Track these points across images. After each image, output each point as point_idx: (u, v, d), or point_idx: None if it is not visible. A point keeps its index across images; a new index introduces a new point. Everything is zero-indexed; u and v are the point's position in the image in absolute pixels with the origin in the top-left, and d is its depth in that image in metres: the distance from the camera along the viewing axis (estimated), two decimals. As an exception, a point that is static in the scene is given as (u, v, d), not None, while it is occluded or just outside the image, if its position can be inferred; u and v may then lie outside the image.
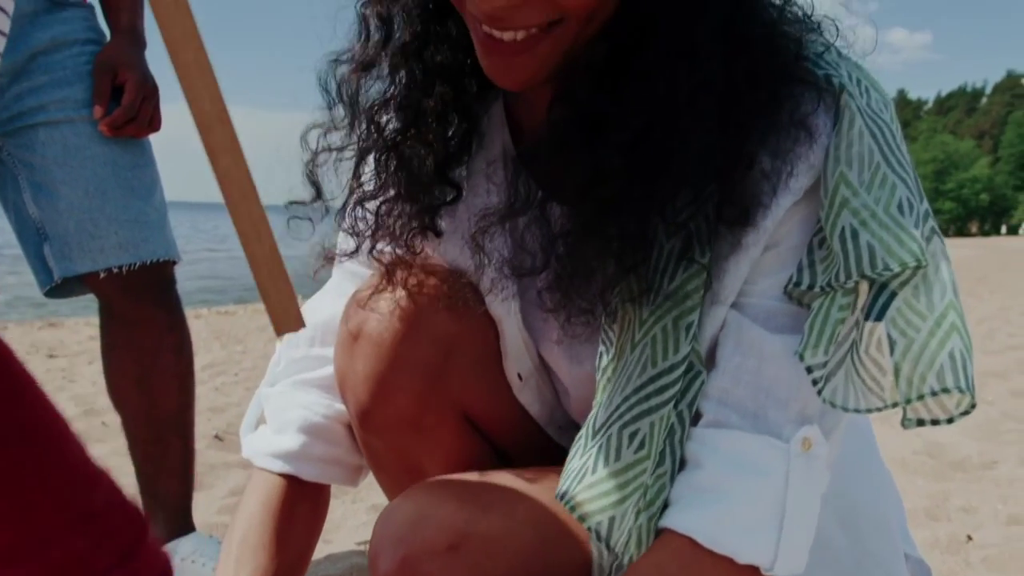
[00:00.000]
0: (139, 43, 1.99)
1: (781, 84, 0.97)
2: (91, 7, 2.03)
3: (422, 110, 1.11)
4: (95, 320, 2.08)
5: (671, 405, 1.00)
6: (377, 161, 1.15)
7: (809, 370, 0.96)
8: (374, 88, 1.13)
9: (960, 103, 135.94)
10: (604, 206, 0.97)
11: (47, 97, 1.88)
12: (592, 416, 1.06)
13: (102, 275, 1.92)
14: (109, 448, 3.41)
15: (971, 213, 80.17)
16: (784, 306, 1.01)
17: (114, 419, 2.40)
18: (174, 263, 2.02)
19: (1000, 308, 9.62)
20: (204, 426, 3.71)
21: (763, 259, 1.01)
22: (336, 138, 1.16)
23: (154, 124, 1.97)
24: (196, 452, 2.14)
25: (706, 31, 0.93)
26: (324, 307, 1.32)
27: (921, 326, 0.93)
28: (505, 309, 1.18)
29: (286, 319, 0.93)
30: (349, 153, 1.16)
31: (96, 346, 2.25)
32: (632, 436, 1.01)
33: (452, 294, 1.18)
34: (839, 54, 1.04)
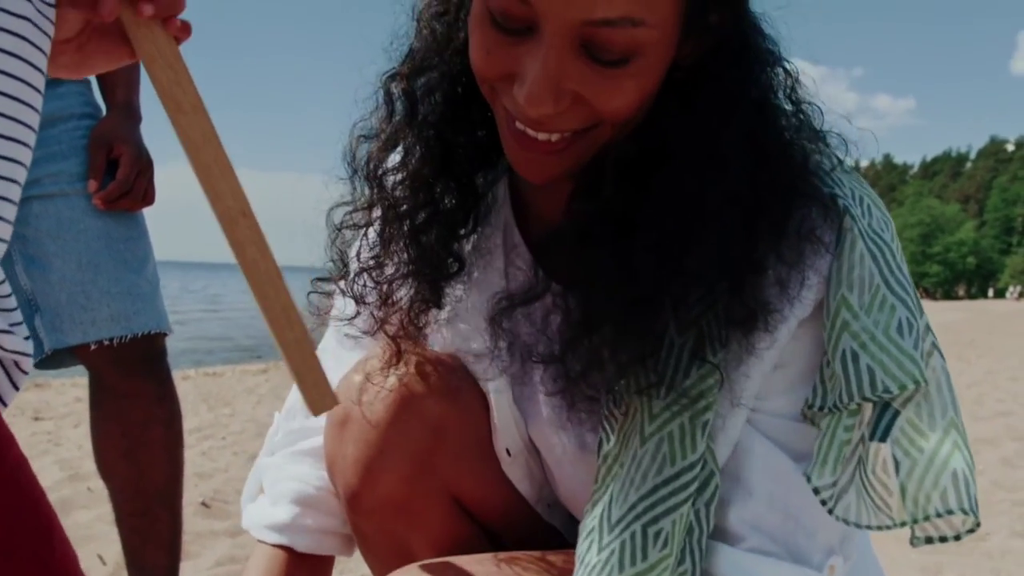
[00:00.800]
0: (134, 117, 2.02)
1: (793, 196, 1.01)
2: (87, 82, 2.06)
3: (433, 185, 1.13)
4: (82, 381, 2.07)
5: (689, 503, 1.01)
6: (385, 231, 1.16)
7: (816, 491, 0.99)
8: (390, 161, 1.16)
9: (945, 168, 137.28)
10: (621, 300, 0.99)
11: (42, 171, 1.89)
12: (602, 508, 1.05)
13: (93, 347, 1.93)
14: (94, 515, 3.38)
15: (958, 276, 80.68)
16: (801, 427, 1.04)
17: (100, 484, 2.39)
18: (165, 335, 2.02)
19: (988, 372, 9.65)
20: (191, 492, 3.68)
21: (775, 377, 1.04)
22: (360, 216, 1.19)
23: (148, 198, 1.99)
24: (183, 521, 2.13)
25: (732, 140, 0.97)
26: None
27: (924, 446, 0.95)
28: (496, 385, 1.19)
29: (321, 400, 0.94)
30: (364, 223, 1.19)
31: (82, 408, 2.25)
32: (656, 535, 1.01)
33: (444, 375, 1.19)
34: (844, 169, 1.07)
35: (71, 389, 8.02)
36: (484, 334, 1.16)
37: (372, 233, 1.18)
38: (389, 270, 1.17)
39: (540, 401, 1.17)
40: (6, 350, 0.81)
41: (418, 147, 1.13)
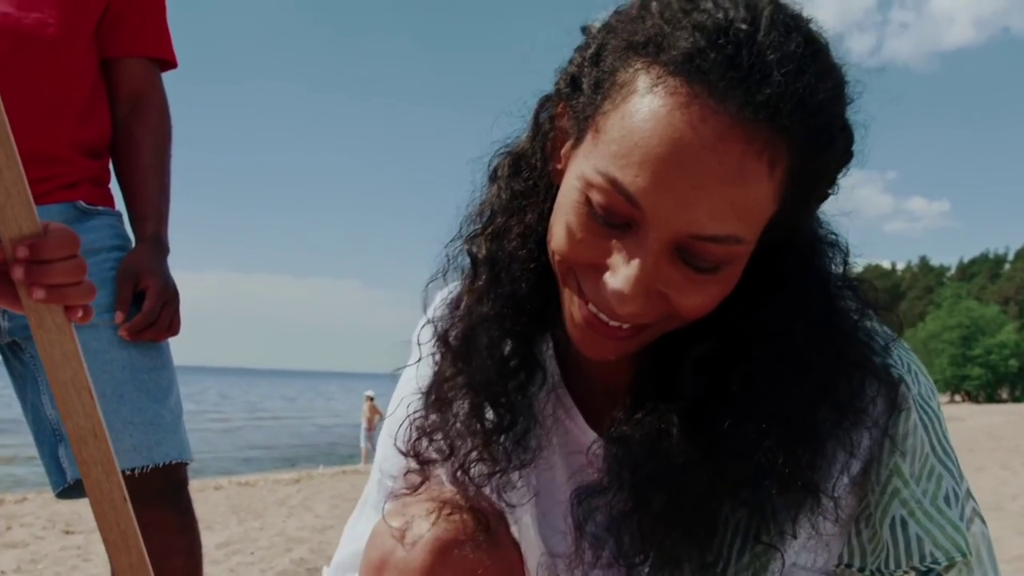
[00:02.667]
0: (162, 250, 2.07)
1: (853, 377, 1.03)
2: (119, 214, 2.12)
3: (500, 346, 1.14)
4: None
5: None
6: (445, 391, 1.18)
7: None
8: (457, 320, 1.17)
9: (983, 269, 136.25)
10: (693, 495, 1.01)
11: (71, 303, 1.93)
12: None
13: (114, 477, 1.94)
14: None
15: (1000, 379, 79.31)
16: None
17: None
18: (187, 464, 2.04)
19: (1033, 482, 9.39)
20: (216, 613, 3.65)
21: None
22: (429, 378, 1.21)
23: (173, 328, 2.02)
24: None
25: (808, 336, 1.00)
26: (366, 534, 1.30)
27: None
28: (529, 539, 1.19)
29: None
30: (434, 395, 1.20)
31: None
32: None
33: (482, 523, 1.18)
34: (892, 336, 1.10)
35: (103, 500, 8.01)
36: (556, 527, 1.17)
37: (432, 393, 1.20)
38: (448, 427, 1.18)
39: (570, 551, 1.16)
40: None
41: (494, 310, 1.13)
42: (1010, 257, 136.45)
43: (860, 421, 1.02)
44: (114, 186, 2.16)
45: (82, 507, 7.68)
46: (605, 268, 0.96)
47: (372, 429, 16.37)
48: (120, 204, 2.15)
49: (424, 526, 1.17)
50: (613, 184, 0.92)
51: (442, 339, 1.18)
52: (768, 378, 0.98)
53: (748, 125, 0.88)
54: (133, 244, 2.09)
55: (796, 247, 1.02)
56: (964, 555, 0.98)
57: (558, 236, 1.00)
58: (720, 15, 0.90)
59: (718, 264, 0.94)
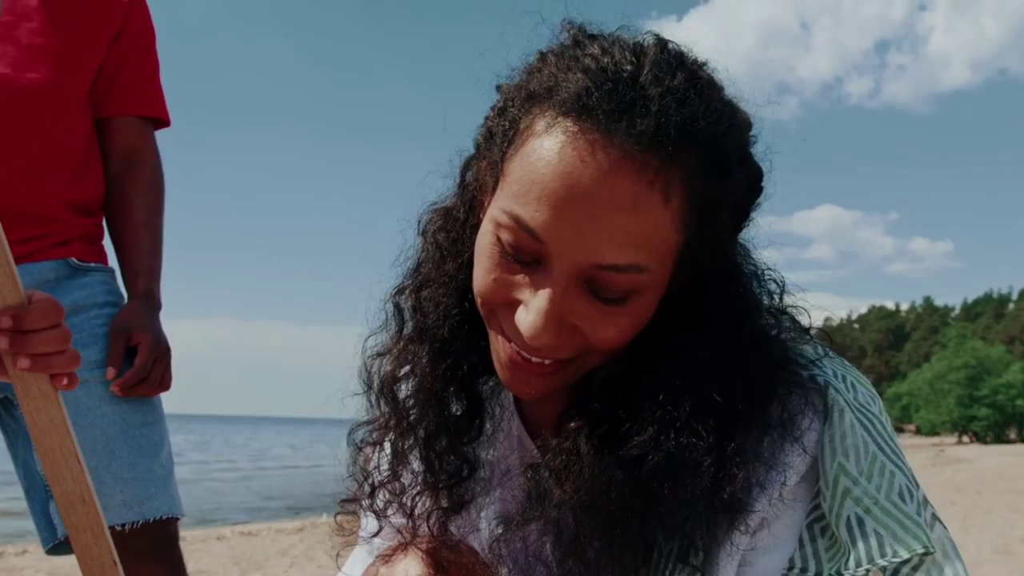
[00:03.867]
0: (154, 307, 2.09)
1: (773, 394, 1.04)
2: (112, 270, 2.15)
3: (440, 395, 1.18)
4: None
5: None
6: (398, 444, 1.21)
7: None
8: (401, 374, 1.22)
9: (987, 309, 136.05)
10: (609, 514, 1.02)
11: (62, 360, 1.94)
12: None
13: (105, 533, 1.94)
14: None
15: (1008, 419, 78.81)
16: None
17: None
18: (177, 519, 2.04)
19: (1042, 524, 9.31)
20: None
21: (758, 538, 1.04)
22: (378, 433, 1.25)
23: (164, 384, 2.04)
24: None
25: (709, 355, 1.03)
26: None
27: None
28: None
29: None
30: (381, 439, 1.24)
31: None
32: None
33: (465, 570, 1.18)
34: (829, 355, 1.11)
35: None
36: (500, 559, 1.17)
37: (387, 447, 1.23)
38: (407, 481, 1.21)
39: None
40: None
41: (425, 359, 1.18)
42: (1014, 296, 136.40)
43: (781, 449, 1.03)
44: (107, 242, 2.19)
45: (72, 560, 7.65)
46: (520, 304, 1.01)
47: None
48: (113, 260, 2.17)
49: (413, 571, 1.17)
50: (517, 221, 0.97)
51: (382, 393, 1.22)
52: (668, 391, 1.01)
53: (637, 156, 0.93)
54: (125, 300, 2.11)
55: (713, 279, 1.06)
56: (926, 548, 0.96)
57: (477, 279, 1.05)
58: (607, 59, 0.97)
59: (625, 294, 0.99)
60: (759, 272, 1.13)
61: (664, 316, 1.05)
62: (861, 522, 0.98)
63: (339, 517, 1.27)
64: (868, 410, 1.04)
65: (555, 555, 1.08)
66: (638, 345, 1.05)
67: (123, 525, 1.94)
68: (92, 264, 2.09)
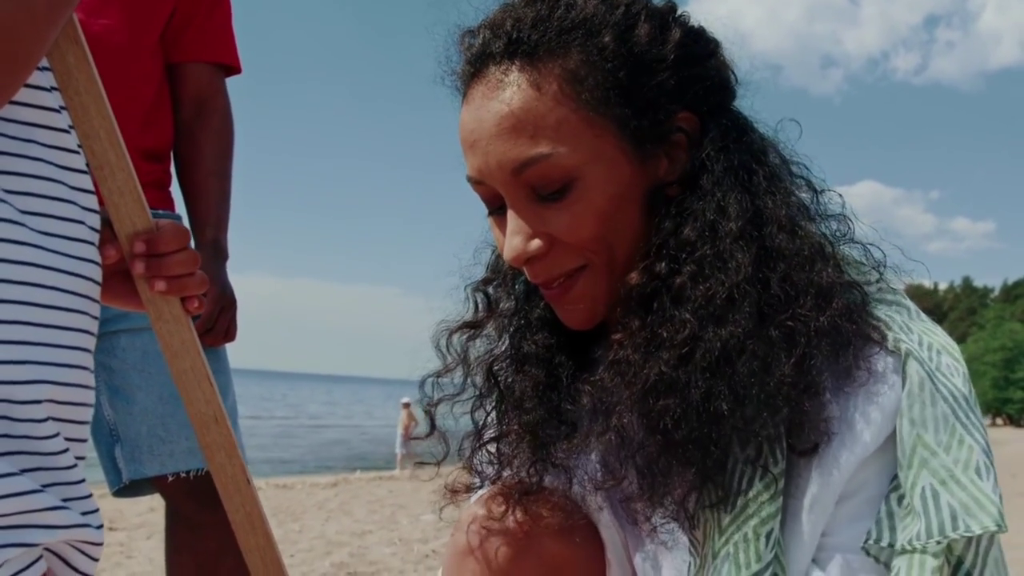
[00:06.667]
0: (221, 256, 2.09)
1: (843, 326, 1.04)
2: (179, 217, 2.14)
3: (528, 356, 1.24)
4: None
5: None
6: (496, 406, 1.27)
7: None
8: (482, 347, 1.28)
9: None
10: (674, 420, 1.04)
11: (131, 306, 1.95)
12: None
13: (170, 479, 1.96)
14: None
15: (1044, 403, 78.11)
16: (864, 562, 1.03)
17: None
18: (241, 466, 2.05)
19: (1079, 511, 9.22)
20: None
21: (841, 509, 1.04)
22: (449, 387, 1.30)
23: (229, 334, 2.04)
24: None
25: (732, 239, 1.07)
26: None
27: None
28: (607, 521, 1.21)
29: None
30: (466, 400, 1.29)
31: (156, 519, 2.27)
32: None
33: (560, 516, 1.21)
34: (915, 315, 1.11)
35: (144, 499, 8.11)
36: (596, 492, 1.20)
37: (483, 414, 1.29)
38: (503, 439, 1.24)
39: (645, 538, 1.19)
40: (56, 526, 0.82)
41: (506, 332, 1.28)
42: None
43: (862, 387, 1.04)
44: (175, 189, 2.19)
45: (124, 504, 7.78)
46: None
47: (408, 436, 16.41)
48: (180, 207, 2.17)
49: (508, 517, 1.21)
50: (468, 180, 1.17)
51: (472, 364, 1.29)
52: (697, 282, 1.06)
53: (497, 75, 1.12)
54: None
55: (715, 166, 1.11)
56: (999, 525, 0.96)
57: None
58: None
59: (562, 184, 1.10)
60: (809, 185, 1.17)
61: (672, 215, 1.11)
62: (936, 495, 0.98)
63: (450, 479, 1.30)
64: (951, 380, 1.03)
65: (625, 465, 1.11)
66: (663, 252, 1.10)
67: (188, 472, 1.95)
68: (160, 211, 2.09)
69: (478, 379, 1.27)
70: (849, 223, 1.17)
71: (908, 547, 0.99)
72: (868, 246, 1.16)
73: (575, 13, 1.11)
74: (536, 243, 1.12)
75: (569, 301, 1.15)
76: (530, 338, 1.24)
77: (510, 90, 1.10)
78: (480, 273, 1.33)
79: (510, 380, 1.24)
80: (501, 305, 1.29)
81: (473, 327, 1.29)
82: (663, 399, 1.04)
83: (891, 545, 1.01)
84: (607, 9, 1.12)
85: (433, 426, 1.29)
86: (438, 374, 1.29)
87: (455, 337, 1.30)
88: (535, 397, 1.20)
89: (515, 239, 1.12)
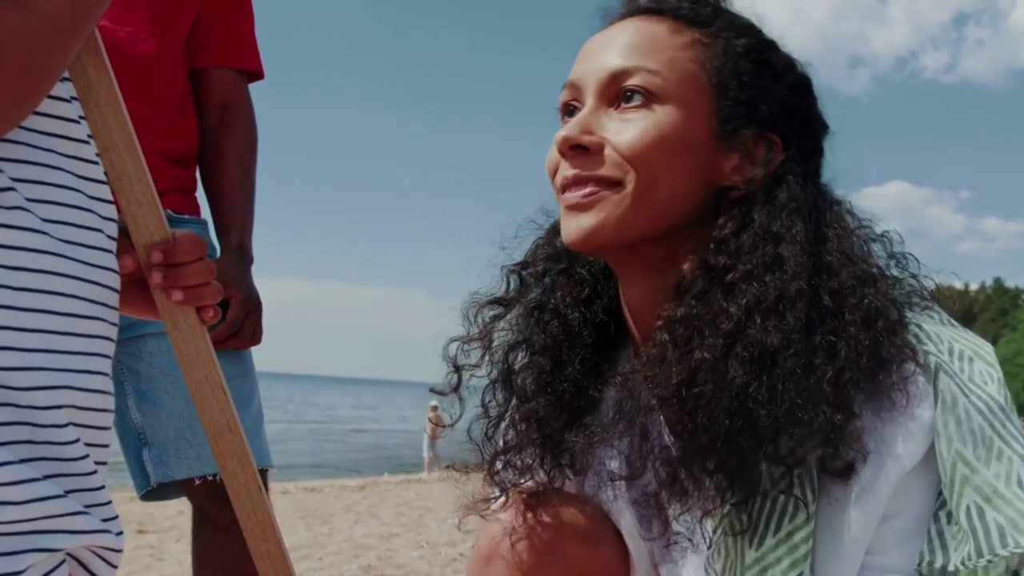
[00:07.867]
0: (246, 260, 2.09)
1: (883, 346, 1.04)
2: (205, 222, 2.15)
3: (546, 347, 1.26)
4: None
5: None
6: (504, 394, 1.28)
7: None
8: (504, 329, 1.30)
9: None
10: (707, 412, 1.04)
11: (157, 310, 1.97)
12: None
13: (197, 482, 1.97)
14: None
15: (1078, 404, 77.31)
16: None
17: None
18: (267, 470, 2.06)
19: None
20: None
21: (886, 529, 1.04)
22: (473, 356, 1.31)
23: (255, 338, 2.05)
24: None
25: (790, 251, 1.08)
26: None
27: None
28: (630, 529, 1.22)
29: None
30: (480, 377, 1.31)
31: (185, 521, 2.29)
32: None
33: (585, 521, 1.22)
34: (945, 321, 1.11)
35: (174, 502, 8.15)
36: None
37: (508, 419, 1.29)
38: (523, 437, 1.25)
39: (673, 548, 1.20)
40: (79, 531, 0.83)
41: (532, 317, 1.29)
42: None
43: (896, 400, 1.04)
44: (199, 194, 2.20)
45: (155, 508, 7.83)
46: None
47: (436, 439, 16.44)
48: (206, 212, 2.18)
49: (532, 522, 1.22)
50: (563, 88, 1.22)
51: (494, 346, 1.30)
52: (747, 283, 1.07)
53: (642, 20, 1.19)
54: (218, 253, 2.12)
55: (781, 190, 1.13)
56: None
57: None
58: None
59: (643, 95, 1.14)
60: (860, 223, 1.18)
61: (736, 221, 1.12)
62: (982, 512, 0.98)
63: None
64: (984, 390, 1.02)
65: (647, 461, 1.12)
66: (722, 248, 1.11)
67: (215, 475, 1.96)
68: (186, 216, 2.10)
69: (496, 358, 1.29)
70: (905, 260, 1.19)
71: (962, 567, 0.98)
72: (905, 256, 1.18)
73: (731, 12, 1.22)
74: (589, 138, 1.14)
75: (582, 208, 1.14)
76: (546, 330, 1.26)
77: (650, 27, 1.18)
78: (519, 257, 1.35)
79: (524, 365, 1.27)
80: (529, 295, 1.31)
81: (501, 304, 1.31)
82: (699, 386, 1.04)
83: (944, 567, 1.00)
84: (759, 29, 1.22)
85: (459, 380, 1.31)
86: (463, 340, 1.31)
87: (484, 311, 1.31)
88: (544, 387, 1.23)
89: (573, 128, 1.15)
